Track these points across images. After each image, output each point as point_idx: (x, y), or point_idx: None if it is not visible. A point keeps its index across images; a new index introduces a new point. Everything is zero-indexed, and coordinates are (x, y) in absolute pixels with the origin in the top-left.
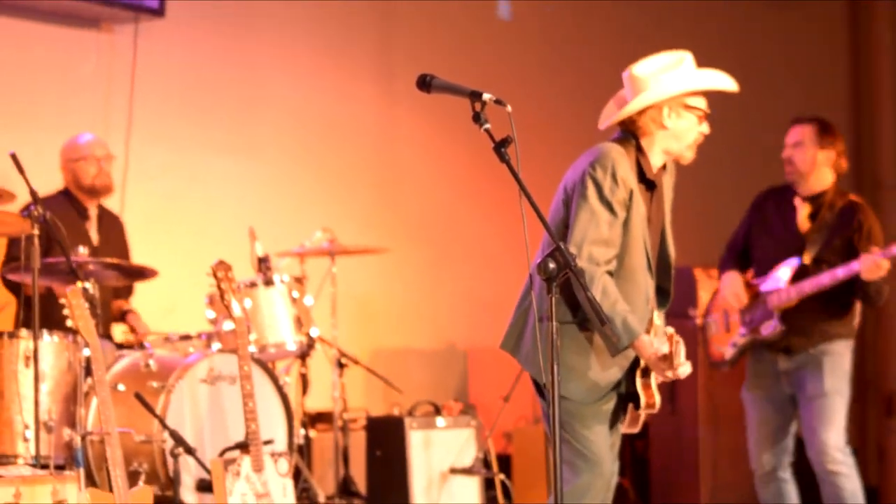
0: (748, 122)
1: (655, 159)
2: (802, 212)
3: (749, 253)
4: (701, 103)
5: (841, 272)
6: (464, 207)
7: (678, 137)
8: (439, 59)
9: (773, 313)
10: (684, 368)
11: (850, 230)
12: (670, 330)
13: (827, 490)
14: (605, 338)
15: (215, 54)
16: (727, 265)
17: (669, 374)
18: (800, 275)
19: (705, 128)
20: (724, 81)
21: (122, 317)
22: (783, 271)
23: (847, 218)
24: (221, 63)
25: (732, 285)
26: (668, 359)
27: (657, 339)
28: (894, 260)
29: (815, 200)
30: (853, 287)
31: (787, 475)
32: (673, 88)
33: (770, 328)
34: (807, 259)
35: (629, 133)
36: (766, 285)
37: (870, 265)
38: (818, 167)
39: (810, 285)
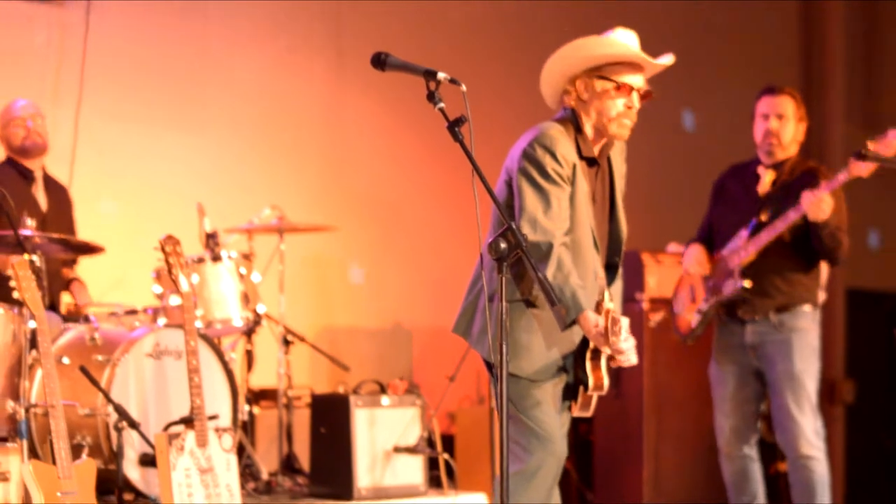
0: (699, 103)
1: (591, 135)
2: (766, 178)
3: (712, 234)
4: (618, 74)
5: (792, 214)
6: (412, 188)
7: (598, 112)
8: (390, 39)
9: (734, 271)
10: (625, 345)
11: (810, 188)
12: (608, 305)
13: (797, 474)
14: (555, 312)
15: (166, 31)
16: (691, 243)
17: (607, 349)
18: (758, 232)
19: (628, 101)
20: (621, 48)
21: (66, 285)
22: (742, 233)
23: (807, 178)
24: (172, 39)
25: (693, 254)
26: (604, 333)
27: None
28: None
29: (779, 168)
30: (813, 245)
31: (753, 453)
32: (571, 60)
33: (731, 286)
34: (763, 217)
35: (570, 111)
36: (727, 248)
37: (811, 200)
38: (795, 139)
39: (766, 234)
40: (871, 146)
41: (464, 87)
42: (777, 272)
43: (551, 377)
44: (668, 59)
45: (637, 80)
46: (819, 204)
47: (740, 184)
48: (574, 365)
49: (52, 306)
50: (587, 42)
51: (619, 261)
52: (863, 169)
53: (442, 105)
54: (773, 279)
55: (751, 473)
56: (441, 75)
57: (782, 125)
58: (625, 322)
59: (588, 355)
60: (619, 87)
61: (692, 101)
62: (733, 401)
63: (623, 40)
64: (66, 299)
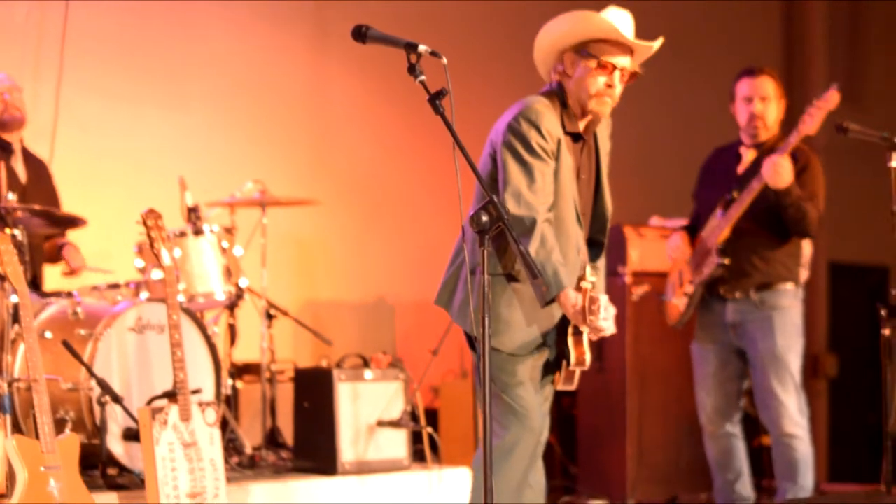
0: (681, 79)
1: (576, 111)
2: (747, 158)
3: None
4: (603, 52)
5: (755, 183)
6: (394, 162)
7: (579, 87)
8: (372, 14)
9: (711, 250)
10: (604, 324)
11: None
12: (586, 284)
13: (780, 452)
14: (535, 288)
15: (148, 6)
16: (678, 231)
17: (585, 328)
18: (729, 208)
19: (609, 80)
20: (605, 26)
21: (58, 251)
22: (717, 212)
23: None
24: (154, 15)
25: (674, 242)
26: (582, 312)
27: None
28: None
29: (760, 147)
30: (782, 218)
31: (737, 430)
32: (558, 34)
33: (710, 264)
34: (736, 194)
35: (557, 85)
36: (706, 229)
37: (768, 167)
38: (778, 119)
39: (735, 208)
40: (817, 103)
41: (445, 60)
42: (753, 250)
43: (532, 352)
44: (653, 42)
45: (622, 61)
46: (776, 168)
47: (723, 166)
48: (557, 339)
49: (34, 282)
50: (575, 17)
51: (603, 238)
52: (811, 126)
53: (423, 78)
54: (749, 257)
55: (735, 451)
56: (422, 48)
57: (766, 107)
58: (603, 300)
59: (570, 330)
60: (602, 66)
61: (678, 79)
62: (715, 379)
63: (613, 19)
64: (56, 271)
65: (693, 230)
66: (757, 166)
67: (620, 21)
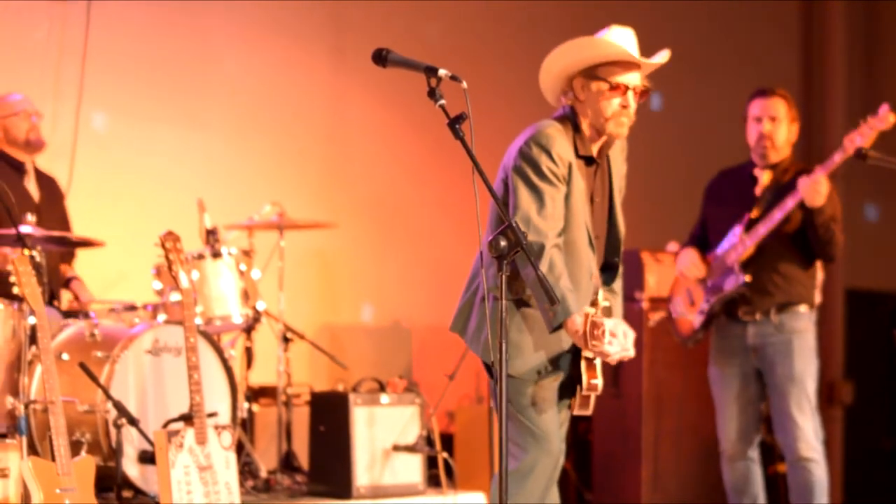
0: (697, 103)
1: (589, 134)
2: (763, 179)
3: (707, 237)
4: (612, 74)
5: (789, 201)
6: (413, 185)
7: (594, 111)
8: (391, 36)
9: (733, 268)
10: (609, 349)
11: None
12: (588, 309)
13: (796, 475)
14: (544, 313)
15: (168, 26)
16: (683, 247)
17: (588, 354)
18: (752, 227)
19: (624, 100)
20: (613, 49)
21: (65, 284)
22: (735, 230)
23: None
24: (173, 35)
25: (688, 258)
26: (584, 338)
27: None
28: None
29: (775, 168)
30: (808, 238)
31: (755, 455)
32: (566, 61)
33: (733, 282)
34: (755, 214)
35: (569, 109)
36: (722, 247)
37: (807, 184)
38: (789, 140)
39: (764, 226)
40: (869, 122)
41: (465, 84)
42: (775, 269)
43: (546, 375)
44: (662, 58)
45: (632, 79)
46: (816, 187)
47: (734, 186)
48: (571, 363)
49: (52, 302)
50: (580, 43)
51: (618, 260)
52: (859, 144)
53: (443, 102)
54: (771, 276)
55: (752, 476)
56: (442, 72)
57: (775, 127)
58: (608, 324)
59: (583, 354)
60: (614, 87)
61: (692, 99)
62: (737, 403)
63: (618, 39)
64: (67, 297)
65: (699, 247)
66: (777, 186)
67: (625, 40)
